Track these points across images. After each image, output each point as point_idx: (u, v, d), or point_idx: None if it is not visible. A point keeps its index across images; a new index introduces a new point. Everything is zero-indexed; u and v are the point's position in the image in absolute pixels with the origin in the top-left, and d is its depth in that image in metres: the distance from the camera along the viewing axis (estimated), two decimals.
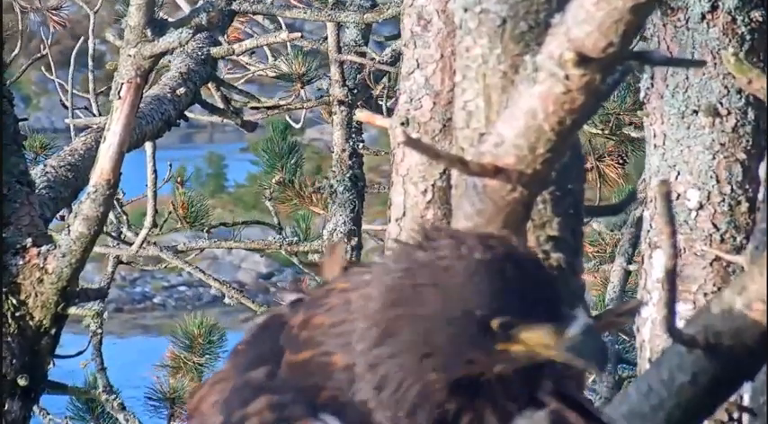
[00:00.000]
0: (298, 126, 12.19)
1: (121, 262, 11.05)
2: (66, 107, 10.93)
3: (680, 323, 3.69)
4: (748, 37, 5.28)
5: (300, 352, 2.67)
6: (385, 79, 10.75)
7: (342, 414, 2.62)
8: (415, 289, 2.67)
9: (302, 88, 11.13)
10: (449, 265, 2.69)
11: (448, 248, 2.72)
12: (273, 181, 11.81)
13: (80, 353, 10.30)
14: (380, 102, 10.66)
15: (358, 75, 10.32)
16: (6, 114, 6.85)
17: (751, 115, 5.36)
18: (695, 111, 5.38)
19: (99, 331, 10.59)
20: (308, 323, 2.70)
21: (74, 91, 10.98)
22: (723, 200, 5.39)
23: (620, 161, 10.59)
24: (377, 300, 2.67)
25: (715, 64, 5.25)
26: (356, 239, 10.38)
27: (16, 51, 10.87)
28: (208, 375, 11.63)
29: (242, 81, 11.78)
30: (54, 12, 12.29)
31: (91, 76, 10.91)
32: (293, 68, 11.05)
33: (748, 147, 5.42)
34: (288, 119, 12.09)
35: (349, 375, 2.66)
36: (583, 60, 3.34)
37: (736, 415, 5.15)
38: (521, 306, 2.77)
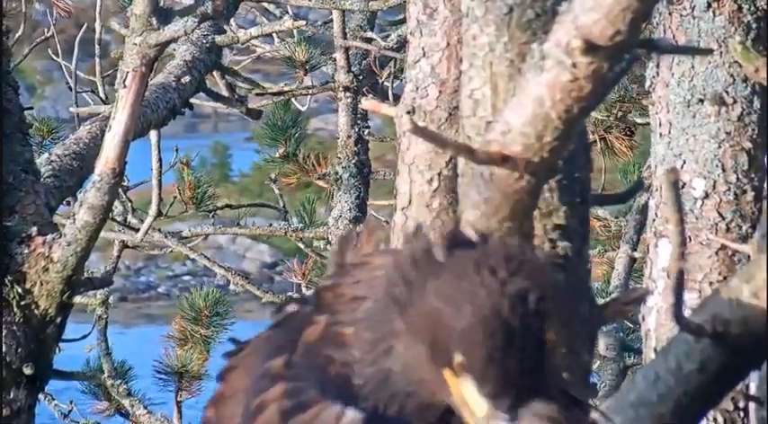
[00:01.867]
0: (304, 108, 12.19)
1: (127, 247, 11.05)
2: (71, 89, 10.92)
3: (687, 312, 3.69)
4: (754, 25, 5.27)
5: (320, 315, 2.67)
6: (391, 64, 10.74)
7: (345, 391, 2.63)
8: (412, 299, 2.64)
9: (305, 75, 11.14)
10: (458, 288, 2.66)
11: (467, 265, 2.67)
12: (277, 154, 11.78)
13: (84, 337, 10.30)
14: (386, 88, 10.66)
15: (363, 61, 10.32)
16: (11, 103, 6.85)
17: (757, 104, 5.36)
18: (701, 100, 5.38)
19: (105, 315, 10.61)
20: (334, 290, 2.69)
21: (79, 77, 10.99)
22: (729, 189, 5.39)
23: (628, 132, 10.57)
24: (381, 298, 2.67)
25: (721, 52, 5.25)
26: (362, 225, 10.37)
27: (19, 33, 10.82)
28: (215, 347, 11.67)
29: (247, 61, 11.80)
30: (56, 4, 12.29)
31: (98, 61, 10.90)
32: (297, 55, 11.05)
33: (754, 136, 5.41)
34: (296, 103, 12.09)
35: (356, 352, 2.66)
36: (590, 48, 3.33)
37: (741, 404, 5.15)
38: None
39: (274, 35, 11.12)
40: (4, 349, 6.41)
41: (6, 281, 6.53)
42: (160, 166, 9.82)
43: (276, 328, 2.80)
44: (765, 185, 4.34)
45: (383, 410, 2.58)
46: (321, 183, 11.45)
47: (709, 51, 5.03)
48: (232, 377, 2.76)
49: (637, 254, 9.52)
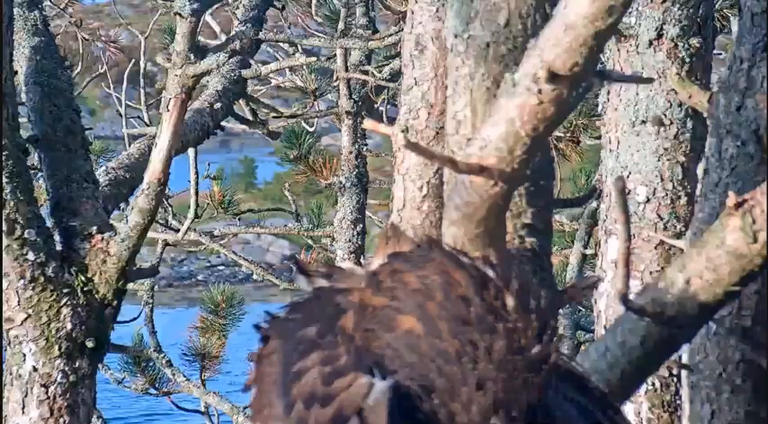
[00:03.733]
0: (311, 129, 12.32)
1: (168, 245, 11.10)
2: (121, 116, 10.97)
3: (631, 296, 3.69)
4: (688, 60, 5.29)
5: (378, 296, 2.63)
6: (385, 92, 10.81)
7: (380, 367, 2.59)
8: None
9: (315, 101, 11.23)
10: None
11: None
12: (291, 156, 11.89)
13: (134, 319, 10.31)
14: (381, 112, 10.74)
15: (362, 90, 10.33)
16: (75, 124, 6.86)
17: (690, 124, 5.38)
18: (643, 122, 5.39)
19: (150, 301, 10.64)
20: (394, 275, 2.65)
21: (128, 104, 11.04)
22: (666, 195, 5.40)
23: (576, 140, 10.62)
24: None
25: (660, 82, 5.26)
26: (361, 225, 10.43)
27: (79, 69, 10.88)
28: (231, 335, 11.77)
29: (265, 89, 11.88)
30: (112, 42, 12.36)
31: (142, 91, 10.95)
32: (308, 85, 11.12)
33: (687, 152, 5.43)
34: (305, 125, 12.21)
35: (405, 340, 2.62)
36: (554, 77, 3.33)
37: (675, 371, 5.16)
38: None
39: (287, 71, 11.19)
40: (70, 327, 6.43)
41: (72, 271, 6.53)
42: (197, 177, 9.82)
43: (310, 300, 2.77)
44: (696, 192, 4.34)
45: (413, 390, 2.56)
46: (324, 179, 11.55)
47: (650, 80, 5.03)
48: (274, 340, 2.73)
49: (587, 251, 9.55)
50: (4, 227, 6.40)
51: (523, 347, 2.54)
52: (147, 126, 10.23)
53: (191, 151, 9.36)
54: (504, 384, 2.52)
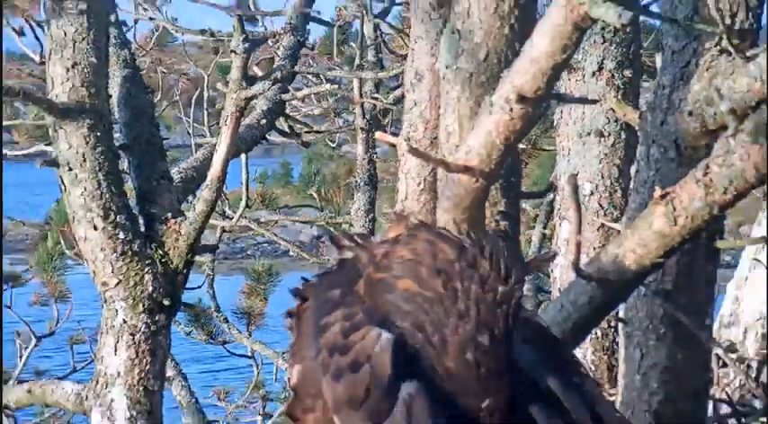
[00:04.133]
0: (334, 144, 12.35)
1: (225, 231, 11.10)
2: (189, 134, 10.96)
3: (581, 266, 3.68)
4: (622, 87, 5.28)
5: (380, 271, 2.62)
6: (390, 114, 10.82)
7: (385, 321, 2.58)
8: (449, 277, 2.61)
9: (335, 118, 11.25)
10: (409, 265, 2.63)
11: (415, 258, 2.65)
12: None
13: (198, 287, 10.29)
14: (387, 129, 10.76)
15: (373, 111, 10.31)
16: (155, 136, 6.88)
17: (624, 136, 5.38)
18: (588, 133, 5.38)
19: (211, 271, 10.63)
20: (392, 255, 2.64)
21: (196, 124, 11.05)
22: (606, 189, 5.40)
23: (536, 148, 10.60)
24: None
25: (601, 103, 5.24)
26: (372, 214, 10.41)
27: (158, 96, 10.89)
28: (270, 298, 11.76)
29: (299, 115, 11.92)
30: (184, 74, 12.38)
31: (206, 112, 10.98)
32: (331, 106, 11.14)
33: (622, 156, 5.43)
34: (328, 141, 12.24)
35: (402, 300, 2.61)
36: (522, 99, 3.32)
37: (613, 323, 5.15)
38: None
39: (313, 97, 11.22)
40: (151, 289, 6.44)
41: (152, 247, 6.52)
42: (247, 177, 9.84)
43: (335, 269, 2.75)
44: (630, 187, 4.34)
45: (410, 337, 2.55)
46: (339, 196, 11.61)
47: (594, 102, 5.02)
48: (307, 300, 2.72)
49: (546, 232, 9.53)
50: (101, 214, 6.42)
51: (493, 288, 2.53)
52: (209, 137, 10.25)
53: (242, 156, 9.40)
54: (481, 314, 2.51)
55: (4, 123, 9.94)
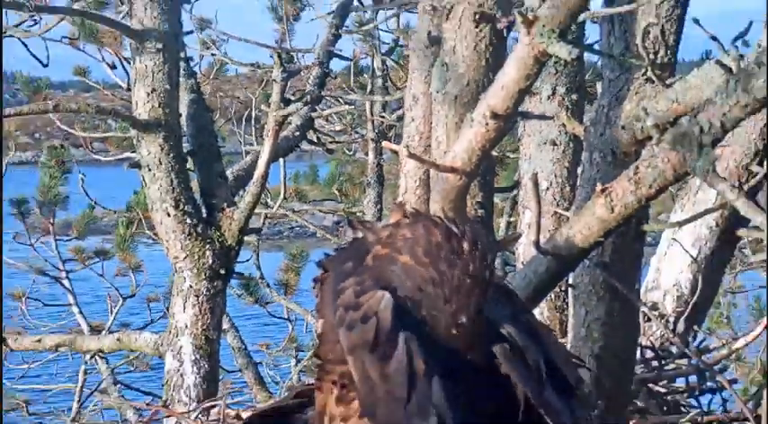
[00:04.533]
0: (350, 152, 12.35)
1: (267, 217, 11.07)
2: (240, 143, 10.94)
3: (540, 244, 3.66)
4: (571, 107, 5.24)
5: (384, 248, 2.60)
6: (394, 128, 10.83)
7: (389, 287, 2.56)
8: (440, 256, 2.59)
9: (351, 132, 11.22)
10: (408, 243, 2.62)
11: (412, 239, 2.64)
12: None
13: (247, 260, 10.25)
14: (391, 139, 10.77)
15: (381, 126, 10.29)
16: (213, 146, 6.90)
17: (572, 145, 5.34)
18: (545, 143, 5.35)
19: (256, 248, 10.59)
20: (394, 236, 2.62)
21: (245, 135, 11.03)
22: (558, 186, 5.36)
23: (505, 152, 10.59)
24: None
25: (555, 120, 5.21)
26: (380, 205, 10.40)
27: (217, 115, 10.88)
28: (302, 274, 11.66)
29: (325, 129, 11.94)
30: (236, 98, 12.32)
31: (253, 127, 10.95)
32: (348, 122, 11.12)
33: (570, 160, 5.39)
34: (345, 149, 12.23)
35: (402, 272, 2.59)
36: (495, 116, 3.30)
37: (564, 288, 5.12)
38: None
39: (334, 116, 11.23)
40: (211, 262, 6.47)
41: (212, 229, 6.52)
42: (284, 176, 9.83)
43: (349, 246, 2.74)
44: (578, 183, 4.32)
45: (407, 300, 2.54)
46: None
47: (550, 118, 4.98)
48: (328, 271, 2.70)
49: (512, 219, 9.49)
50: (173, 204, 6.42)
51: (473, 271, 2.52)
52: (255, 146, 10.27)
53: (281, 160, 9.38)
54: (461, 298, 2.50)
55: (100, 135, 9.92)
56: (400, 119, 9.84)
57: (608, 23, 3.93)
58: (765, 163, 4.36)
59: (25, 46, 7.12)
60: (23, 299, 9.86)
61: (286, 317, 11.07)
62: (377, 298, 2.54)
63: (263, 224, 10.56)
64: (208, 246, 6.48)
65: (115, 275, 10.45)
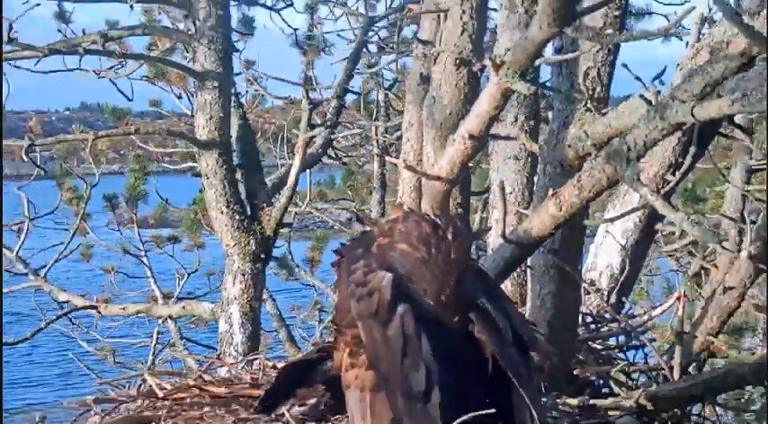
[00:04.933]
0: (360, 164, 12.28)
1: (297, 214, 11.00)
2: (276, 158, 10.89)
3: (506, 235, 3.63)
4: (529, 130, 5.16)
5: (385, 238, 2.59)
6: (393, 147, 10.78)
7: (390, 269, 2.55)
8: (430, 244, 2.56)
9: (361, 148, 11.17)
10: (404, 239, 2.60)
11: (407, 232, 2.61)
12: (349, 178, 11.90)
13: (281, 246, 10.16)
14: (393, 155, 10.72)
15: (383, 145, 10.23)
16: (255, 161, 6.88)
17: (530, 159, 5.27)
18: (509, 157, 5.28)
19: (289, 238, 10.52)
20: (394, 228, 2.60)
21: (280, 152, 10.97)
22: (520, 191, 5.28)
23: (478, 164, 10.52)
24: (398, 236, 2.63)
25: (517, 140, 5.16)
26: (383, 205, 10.33)
27: (258, 135, 10.80)
28: (324, 253, 11.48)
29: (340, 147, 11.89)
30: (273, 123, 12.24)
31: (286, 146, 10.90)
32: (358, 142, 11.08)
33: (529, 171, 5.31)
34: (357, 162, 12.16)
35: (400, 257, 2.57)
36: (471, 137, 3.28)
37: (523, 268, 5.07)
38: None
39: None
40: (254, 248, 6.44)
41: (255, 223, 6.50)
42: (310, 182, 9.78)
43: (359, 237, 2.72)
44: (534, 189, 4.28)
45: (404, 279, 2.52)
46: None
47: (513, 139, 4.94)
48: (342, 256, 2.69)
49: (484, 215, 9.42)
50: (225, 204, 6.41)
51: (454, 256, 2.50)
52: (287, 160, 10.24)
53: (307, 171, 9.33)
54: (444, 276, 2.49)
55: (169, 151, 9.91)
56: (399, 138, 9.79)
57: (557, 67, 3.91)
58: (677, 173, 4.33)
59: (114, 84, 7.11)
60: (112, 273, 9.87)
61: (312, 285, 11.04)
62: (380, 277, 2.53)
63: (294, 219, 10.50)
64: (251, 236, 6.46)
65: (183, 250, 10.44)
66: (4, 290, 7.49)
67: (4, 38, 5.83)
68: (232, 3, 6.75)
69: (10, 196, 7.68)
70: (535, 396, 2.45)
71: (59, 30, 6.83)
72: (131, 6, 6.54)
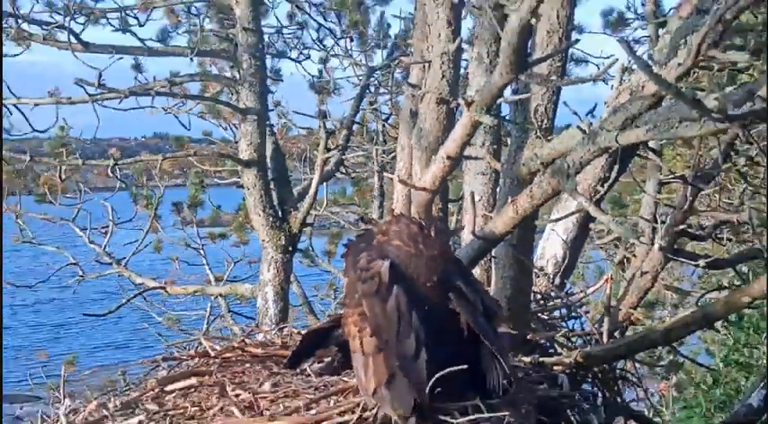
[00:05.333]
0: (364, 177, 12.10)
1: (317, 216, 10.77)
2: (300, 173, 10.78)
3: (475, 232, 3.60)
4: (493, 152, 5.06)
5: (384, 236, 2.56)
6: (389, 165, 10.66)
7: (389, 259, 2.52)
8: (418, 242, 2.53)
9: (365, 165, 11.04)
10: (397, 239, 2.57)
11: (400, 230, 2.58)
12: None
13: (304, 241, 10.00)
14: (388, 171, 10.60)
15: (382, 163, 10.15)
16: (284, 174, 6.84)
17: (494, 175, 5.17)
18: (479, 173, 5.21)
19: (309, 236, 10.34)
20: (389, 228, 2.58)
21: (303, 169, 10.85)
22: (486, 199, 5.19)
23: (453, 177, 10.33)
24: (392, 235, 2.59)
25: (484, 159, 5.09)
26: (382, 210, 10.15)
27: (287, 156, 10.62)
28: (338, 248, 11.25)
29: (349, 165, 11.72)
30: (298, 147, 11.99)
31: (318, 169, 10.80)
32: (362, 161, 10.96)
33: (494, 183, 5.21)
34: (361, 176, 11.99)
35: (395, 249, 2.54)
36: (449, 157, 3.26)
37: (489, 258, 5.01)
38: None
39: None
40: (284, 242, 6.42)
41: (285, 223, 6.44)
42: (326, 192, 9.66)
43: (363, 234, 2.70)
44: (498, 197, 4.22)
45: (399, 267, 2.50)
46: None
47: (481, 158, 4.90)
48: (350, 248, 2.67)
49: (459, 217, 9.30)
50: (262, 209, 6.38)
51: (437, 249, 2.50)
52: (309, 175, 10.13)
53: (324, 184, 9.23)
54: (431, 265, 2.48)
55: (219, 168, 9.88)
56: (393, 159, 9.76)
57: (514, 104, 3.89)
58: (605, 185, 4.32)
59: (177, 118, 7.14)
60: (177, 262, 9.87)
61: (330, 271, 10.96)
62: (379, 265, 2.51)
63: (314, 220, 10.44)
64: (282, 233, 6.44)
65: (231, 245, 10.39)
66: (94, 274, 7.51)
67: (95, 83, 5.82)
68: (267, 56, 6.76)
69: (97, 205, 7.70)
70: (501, 349, 2.44)
71: (135, 77, 6.85)
72: (191, 59, 6.54)
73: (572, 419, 3.04)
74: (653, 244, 4.25)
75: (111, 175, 6.61)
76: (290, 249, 6.52)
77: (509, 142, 3.96)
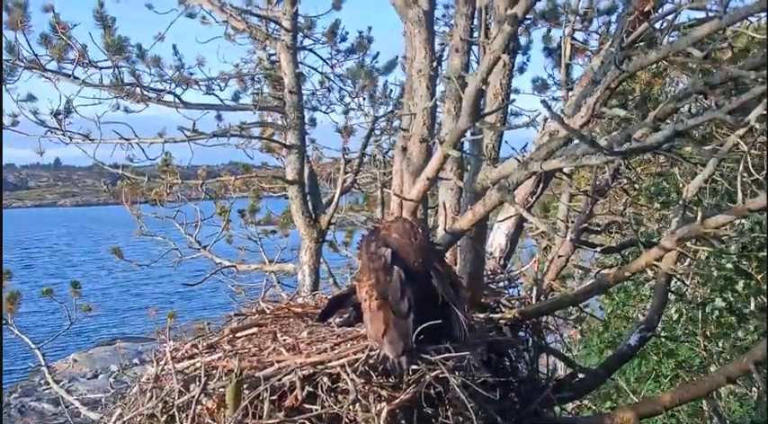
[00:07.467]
0: (371, 193, 11.86)
1: (338, 218, 10.42)
2: (327, 188, 10.58)
3: (447, 229, 3.57)
4: (458, 174, 4.95)
5: (386, 231, 2.55)
6: (389, 184, 10.36)
7: (391, 247, 2.50)
8: (411, 237, 2.49)
9: (371, 184, 10.78)
10: (395, 237, 2.55)
11: (398, 227, 2.56)
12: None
13: (330, 234, 9.72)
14: (388, 188, 10.36)
15: (383, 182, 10.00)
16: (316, 191, 6.76)
17: (459, 190, 5.01)
18: (450, 189, 5.11)
19: (332, 231, 10.00)
20: (390, 226, 2.57)
21: (329, 185, 10.68)
22: (455, 206, 5.05)
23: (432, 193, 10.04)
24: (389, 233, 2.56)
25: (452, 179, 4.98)
26: (383, 214, 9.97)
27: (318, 178, 10.30)
28: (354, 239, 10.95)
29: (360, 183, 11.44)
30: (326, 170, 11.63)
31: (332, 182, 10.63)
32: (370, 181, 10.75)
33: (458, 196, 5.04)
34: (368, 193, 11.72)
35: (394, 241, 2.52)
36: (428, 178, 3.24)
37: (456, 247, 4.89)
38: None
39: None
40: (315, 236, 6.32)
41: (317, 223, 6.33)
42: (344, 202, 9.51)
43: (372, 230, 2.70)
44: (461, 204, 4.17)
45: (398, 254, 2.49)
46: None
47: (450, 179, 4.83)
48: (364, 240, 2.67)
49: (434, 219, 9.07)
50: (301, 213, 6.31)
51: (422, 242, 2.51)
52: (332, 190, 9.93)
53: (343, 196, 9.01)
54: (418, 253, 2.48)
55: (272, 185, 9.76)
56: (391, 179, 9.61)
57: (472, 142, 3.89)
58: (534, 197, 4.30)
59: (245, 151, 7.20)
60: (243, 249, 9.81)
61: (347, 256, 10.83)
62: (383, 251, 2.51)
63: (337, 221, 10.21)
64: (314, 229, 6.41)
65: (280, 237, 10.30)
66: (189, 257, 7.50)
67: (190, 128, 5.83)
68: (305, 109, 6.77)
69: (191, 209, 7.75)
70: (461, 310, 2.44)
71: (217, 124, 6.90)
72: (254, 112, 6.56)
73: (512, 355, 3.07)
74: (566, 237, 4.25)
75: (200, 189, 6.69)
76: (320, 240, 6.49)
77: (469, 167, 3.96)
